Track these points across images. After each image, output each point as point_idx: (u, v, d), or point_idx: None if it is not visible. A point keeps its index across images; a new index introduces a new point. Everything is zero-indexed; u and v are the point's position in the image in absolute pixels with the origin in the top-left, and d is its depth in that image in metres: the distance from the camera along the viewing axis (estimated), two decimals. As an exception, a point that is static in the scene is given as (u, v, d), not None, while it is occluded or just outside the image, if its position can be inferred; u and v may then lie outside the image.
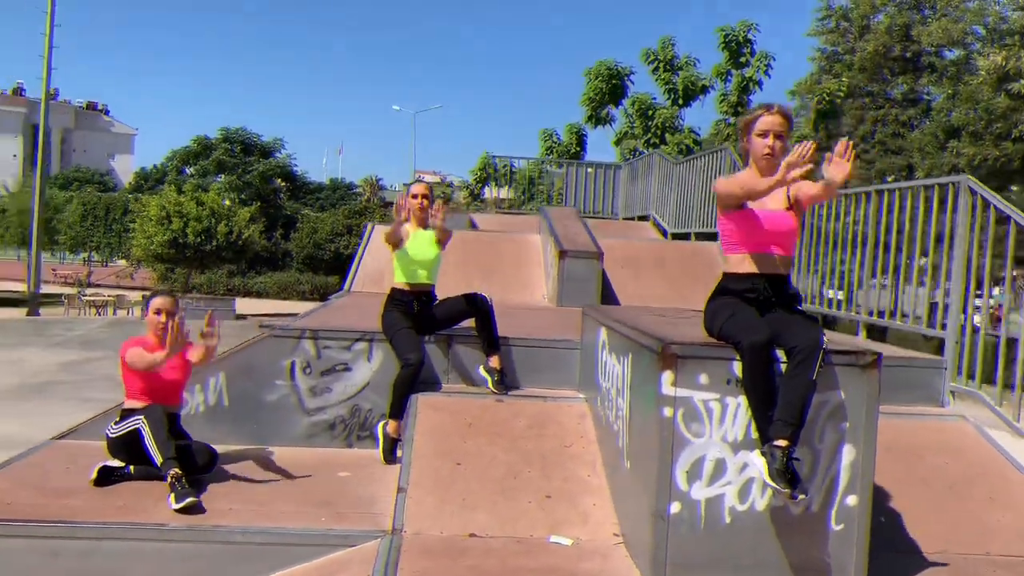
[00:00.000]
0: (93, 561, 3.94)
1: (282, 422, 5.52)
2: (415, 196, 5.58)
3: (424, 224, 5.61)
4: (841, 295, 7.25)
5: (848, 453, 3.56)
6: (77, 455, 5.00)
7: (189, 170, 41.06)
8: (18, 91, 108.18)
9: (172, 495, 4.22)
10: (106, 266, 48.87)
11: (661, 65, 23.83)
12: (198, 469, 4.61)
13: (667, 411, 3.52)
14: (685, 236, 12.14)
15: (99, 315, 25.96)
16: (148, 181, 66.28)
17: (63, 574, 3.92)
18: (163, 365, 4.58)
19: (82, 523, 4.02)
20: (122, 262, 44.33)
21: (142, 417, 4.55)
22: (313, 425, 5.54)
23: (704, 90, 24.08)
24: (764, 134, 3.70)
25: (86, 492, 4.43)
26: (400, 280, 5.53)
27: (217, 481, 4.70)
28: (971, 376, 5.51)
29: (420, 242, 5.53)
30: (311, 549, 4.02)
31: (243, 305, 27.97)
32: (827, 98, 23.00)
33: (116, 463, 4.66)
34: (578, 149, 24.68)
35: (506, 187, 20.71)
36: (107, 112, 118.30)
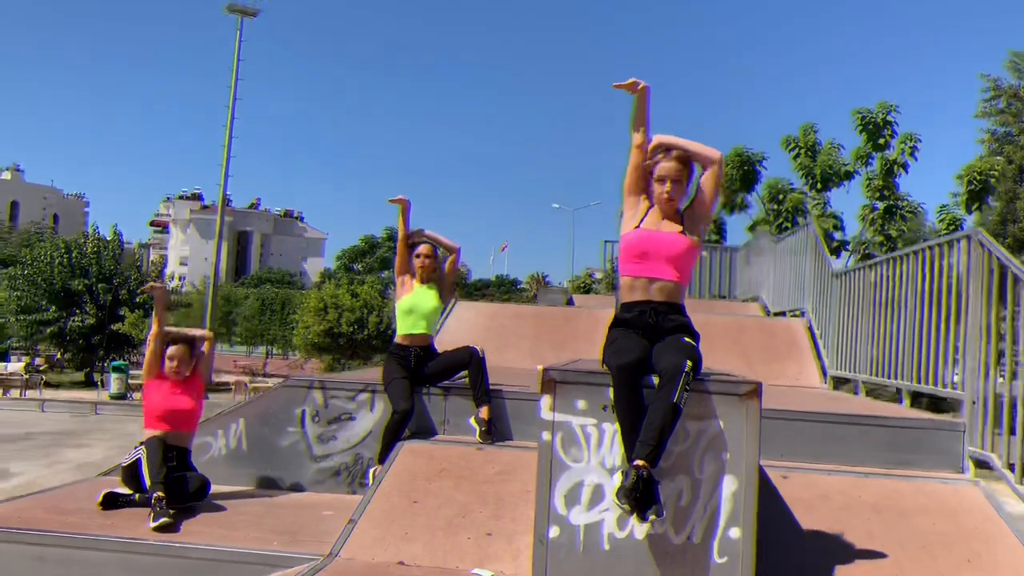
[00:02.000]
0: (72, 568, 4.44)
1: (293, 467, 5.94)
2: (419, 256, 6.00)
3: (426, 281, 6.00)
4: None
5: (729, 484, 3.53)
6: (111, 487, 5.61)
7: (357, 267, 43.86)
8: (226, 202, 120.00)
9: (151, 515, 4.70)
10: (286, 358, 52.46)
11: (802, 151, 23.46)
12: (189, 496, 5.09)
13: (546, 435, 3.64)
14: (782, 315, 11.84)
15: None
16: (330, 280, 71.10)
17: (45, 577, 4.44)
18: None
19: (64, 533, 4.55)
20: (298, 354, 47.41)
21: (143, 447, 5.11)
22: (320, 471, 5.92)
23: (848, 176, 23.42)
24: (662, 180, 3.86)
25: (89, 513, 5.00)
26: (400, 334, 5.91)
27: (206, 511, 5.15)
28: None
29: (421, 295, 5.91)
30: (255, 568, 4.34)
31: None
32: (979, 178, 21.72)
33: (125, 491, 5.22)
34: (717, 237, 24.49)
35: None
36: (301, 219, 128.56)
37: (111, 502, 5.12)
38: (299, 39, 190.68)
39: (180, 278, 40.61)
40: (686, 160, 3.88)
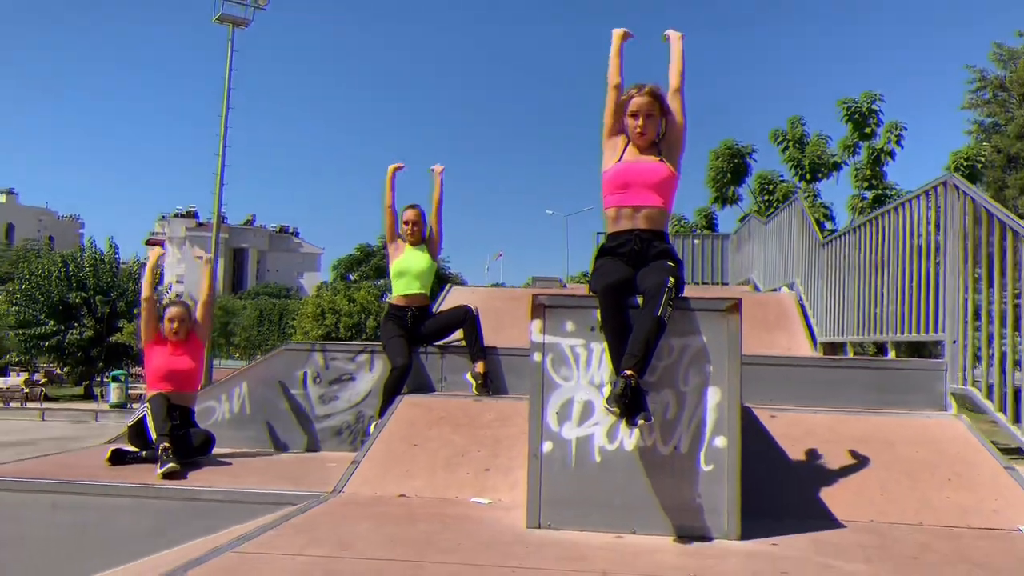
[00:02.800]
0: (83, 513, 4.59)
1: (296, 427, 6.10)
2: (407, 222, 6.18)
3: (416, 244, 6.17)
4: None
5: (713, 395, 3.70)
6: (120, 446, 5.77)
7: (353, 276, 44.06)
8: (221, 219, 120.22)
9: (159, 463, 4.85)
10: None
11: (790, 144, 23.74)
12: (194, 450, 5.26)
13: (537, 356, 3.81)
14: (773, 291, 12.03)
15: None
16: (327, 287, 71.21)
17: (59, 523, 4.59)
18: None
19: (76, 481, 4.71)
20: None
21: (147, 404, 5.27)
22: (322, 431, 6.08)
23: (836, 166, 23.70)
24: (635, 115, 4.04)
25: (97, 468, 5.15)
26: (396, 294, 6.08)
27: (211, 464, 5.31)
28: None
29: (411, 255, 6.09)
30: (263, 507, 4.47)
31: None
32: (965, 163, 21.97)
33: (131, 448, 5.38)
34: (708, 231, 24.72)
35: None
36: (297, 234, 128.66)
37: (118, 458, 5.27)
38: (289, 53, 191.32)
39: (177, 295, 40.69)
40: (657, 95, 4.06)
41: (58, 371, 37.03)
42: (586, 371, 3.77)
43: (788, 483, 4.51)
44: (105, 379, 32.19)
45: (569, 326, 3.80)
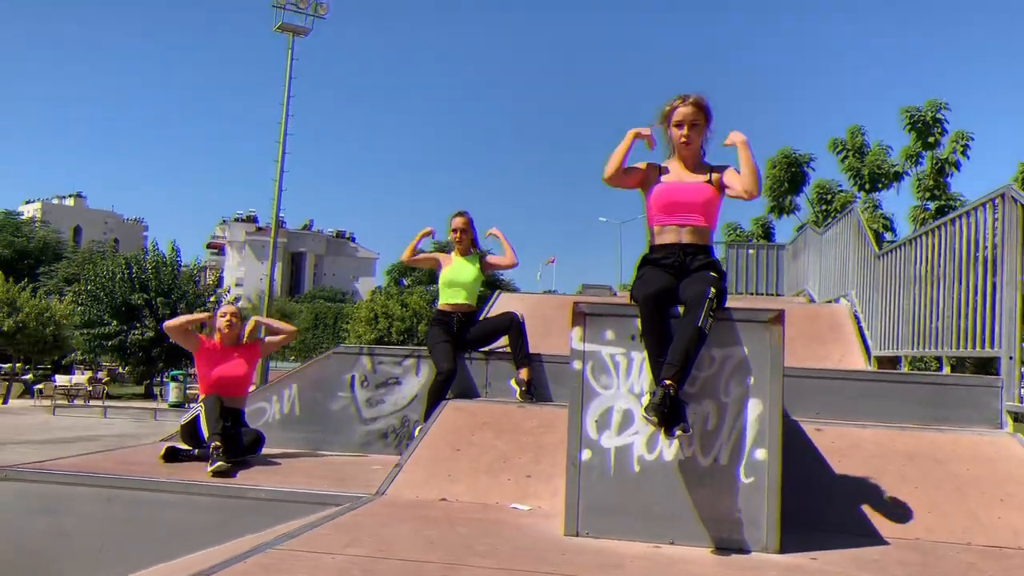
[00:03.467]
0: (137, 508, 4.75)
1: (343, 430, 6.21)
2: (455, 230, 6.26)
3: (465, 253, 6.24)
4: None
5: (754, 407, 3.68)
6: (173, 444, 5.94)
7: (406, 281, 44.48)
8: (280, 224, 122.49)
9: (209, 461, 4.99)
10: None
11: (849, 153, 23.34)
12: (244, 450, 5.39)
13: (576, 364, 3.83)
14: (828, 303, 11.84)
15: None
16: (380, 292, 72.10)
17: (114, 515, 4.75)
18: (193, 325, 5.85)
19: (131, 477, 4.87)
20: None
21: (201, 404, 5.42)
22: (368, 433, 6.18)
23: (898, 176, 23.22)
24: (680, 124, 4.04)
25: (152, 465, 5.31)
26: (443, 302, 6.16)
27: (260, 464, 5.44)
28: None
29: (460, 267, 6.16)
30: (308, 507, 4.57)
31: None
32: (1033, 174, 21.33)
33: (184, 446, 5.53)
34: (765, 241, 24.40)
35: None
36: (353, 239, 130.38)
37: (172, 456, 5.42)
38: (349, 60, 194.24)
39: (235, 299, 41.61)
40: (702, 105, 4.06)
41: (120, 370, 38.07)
42: (626, 380, 3.78)
43: (832, 497, 4.45)
44: (165, 379, 33.04)
45: (609, 334, 3.81)
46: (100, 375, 35.43)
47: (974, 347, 6.01)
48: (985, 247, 5.86)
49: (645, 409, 3.50)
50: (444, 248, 6.78)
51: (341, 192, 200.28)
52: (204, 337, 5.81)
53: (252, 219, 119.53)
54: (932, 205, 22.69)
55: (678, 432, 3.47)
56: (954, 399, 5.54)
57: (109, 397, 30.31)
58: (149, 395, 33.60)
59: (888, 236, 23.02)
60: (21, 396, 31.91)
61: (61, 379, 32.40)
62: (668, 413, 3.46)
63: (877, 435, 5.04)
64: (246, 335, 5.87)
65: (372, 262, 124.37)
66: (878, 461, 4.76)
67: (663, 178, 4.02)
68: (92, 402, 28.03)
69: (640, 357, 3.77)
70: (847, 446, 4.91)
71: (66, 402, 27.41)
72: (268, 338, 6.29)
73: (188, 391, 27.94)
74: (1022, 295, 5.35)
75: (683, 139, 4.02)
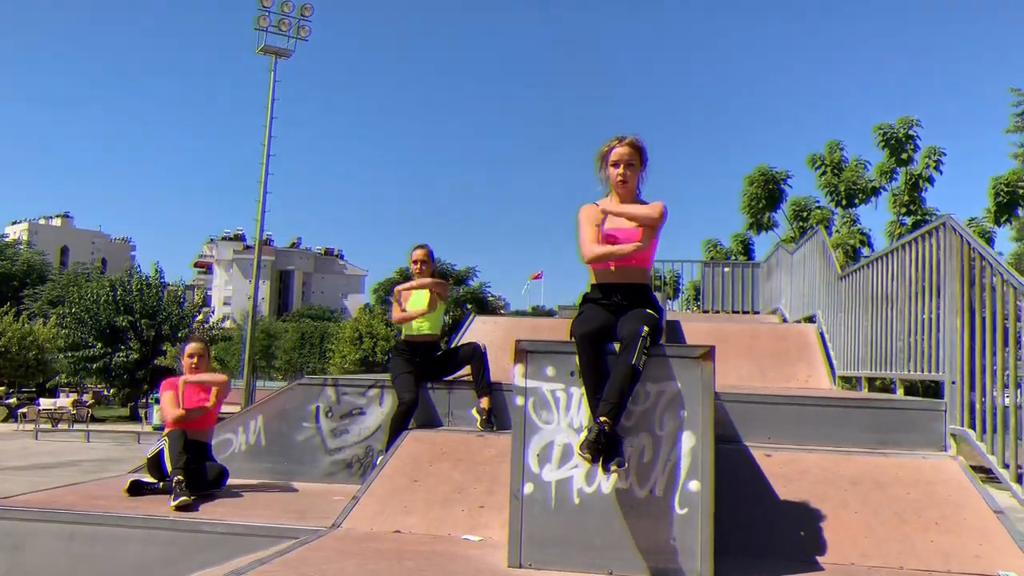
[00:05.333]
0: (97, 543, 4.84)
1: (309, 460, 6.31)
2: (415, 261, 6.40)
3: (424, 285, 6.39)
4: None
5: (687, 440, 3.82)
6: (139, 477, 6.03)
7: (391, 298, 44.44)
8: (267, 242, 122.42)
9: (172, 496, 5.09)
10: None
11: (828, 169, 23.60)
12: (208, 484, 5.48)
13: (519, 400, 3.97)
14: (798, 323, 12.01)
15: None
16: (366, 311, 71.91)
17: (75, 553, 4.84)
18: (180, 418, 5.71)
19: (90, 513, 4.96)
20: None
21: (165, 438, 5.53)
22: (333, 463, 6.28)
23: (875, 191, 23.49)
24: (616, 164, 4.20)
25: (116, 499, 5.41)
26: (405, 333, 6.28)
27: (223, 496, 5.53)
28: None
29: (420, 298, 6.29)
30: (265, 540, 4.68)
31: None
32: (1006, 190, 21.64)
33: (149, 479, 5.63)
34: (744, 258, 24.62)
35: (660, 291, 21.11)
36: (341, 256, 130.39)
37: (137, 489, 5.52)
38: (333, 77, 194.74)
39: (223, 317, 41.59)
40: (638, 146, 4.22)
41: (105, 392, 37.98)
42: (566, 414, 3.92)
43: (776, 523, 4.59)
44: (149, 401, 32.97)
45: (550, 371, 3.95)
46: (85, 398, 35.28)
47: (922, 370, 6.18)
48: (930, 274, 6.04)
49: (580, 446, 3.64)
50: (407, 278, 6.90)
51: (329, 209, 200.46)
52: (171, 380, 5.92)
53: (240, 237, 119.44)
54: (908, 220, 22.98)
55: (613, 467, 3.60)
56: (901, 422, 5.68)
57: (94, 420, 30.21)
58: (135, 417, 33.50)
59: (865, 251, 23.28)
60: (5, 420, 31.80)
61: (45, 402, 32.25)
62: (603, 449, 3.59)
63: (824, 460, 5.18)
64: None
65: (361, 279, 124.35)
66: (822, 487, 4.90)
67: (605, 223, 4.16)
68: (76, 426, 27.95)
69: (579, 392, 3.90)
70: (794, 472, 5.05)
71: (50, 426, 27.33)
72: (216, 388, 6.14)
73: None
74: (961, 321, 5.52)
75: (619, 178, 4.18)
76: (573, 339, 3.97)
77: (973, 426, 5.32)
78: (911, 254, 6.47)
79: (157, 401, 28.73)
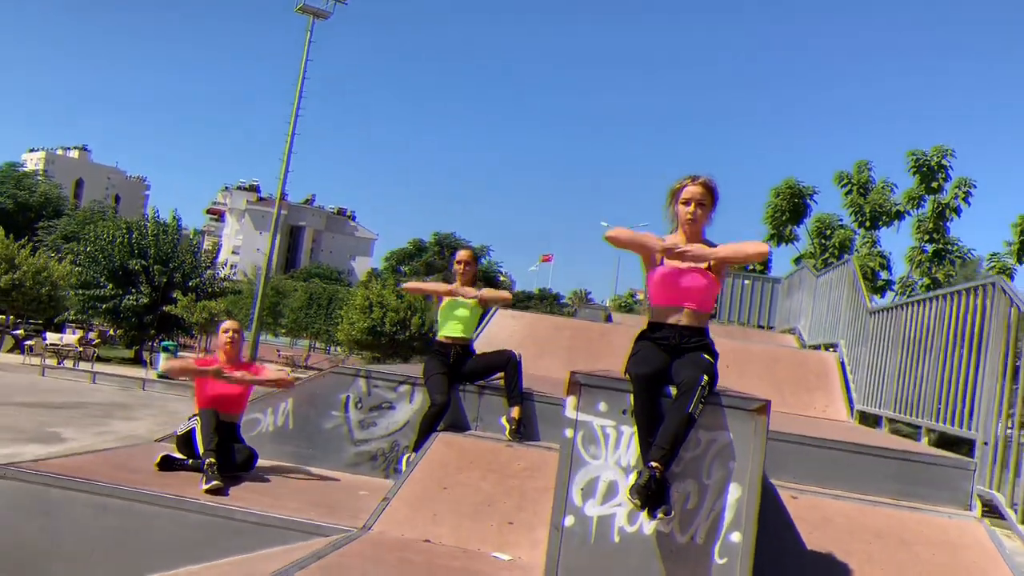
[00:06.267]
0: (129, 518, 4.89)
1: (334, 448, 6.35)
2: (459, 262, 6.40)
3: (467, 286, 6.39)
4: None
5: (734, 491, 3.83)
6: (169, 451, 6.08)
7: (404, 268, 44.61)
8: (282, 196, 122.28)
9: (203, 479, 5.13)
10: (329, 352, 53.39)
11: (854, 188, 23.47)
12: (237, 467, 5.53)
13: (568, 432, 3.98)
14: (816, 348, 12.01)
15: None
16: (376, 279, 71.99)
17: (105, 525, 4.89)
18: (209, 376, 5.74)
19: (126, 487, 5.00)
20: (339, 349, 48.32)
21: (197, 418, 5.57)
22: (358, 455, 6.32)
23: (899, 215, 23.37)
24: (687, 202, 4.19)
25: (148, 472, 5.46)
26: (441, 334, 6.30)
27: (253, 480, 5.58)
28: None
29: (459, 300, 6.30)
30: (294, 534, 4.74)
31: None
32: (1033, 227, 21.48)
33: (179, 456, 5.68)
34: (761, 268, 24.56)
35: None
36: (354, 217, 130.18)
37: (167, 464, 5.57)
38: (366, 39, 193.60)
39: (232, 266, 41.67)
40: (710, 186, 4.21)
41: (111, 332, 38.13)
42: (615, 452, 3.93)
43: (802, 570, 4.62)
44: (155, 346, 33.14)
45: (602, 406, 3.96)
46: (91, 336, 35.45)
47: (951, 424, 6.18)
48: (972, 330, 6.02)
49: (630, 490, 3.66)
50: (447, 280, 6.90)
51: (346, 170, 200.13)
52: (205, 358, 5.94)
53: (255, 188, 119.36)
54: (930, 248, 22.90)
55: (660, 514, 3.63)
56: (929, 477, 5.70)
57: (99, 360, 30.38)
58: (139, 360, 33.67)
59: (883, 274, 23.24)
60: (11, 351, 31.98)
61: (52, 336, 32.42)
62: (652, 495, 3.61)
63: (849, 508, 5.21)
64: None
65: (371, 242, 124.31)
66: (847, 537, 4.93)
67: (665, 260, 4.16)
68: (81, 364, 28.11)
69: (629, 431, 3.92)
70: (819, 518, 5.08)
71: (55, 362, 27.48)
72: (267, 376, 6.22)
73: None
74: (1002, 384, 5.52)
75: (688, 216, 4.17)
76: (628, 377, 3.98)
77: (1002, 490, 5.35)
78: (954, 305, 6.43)
79: (164, 348, 28.93)
